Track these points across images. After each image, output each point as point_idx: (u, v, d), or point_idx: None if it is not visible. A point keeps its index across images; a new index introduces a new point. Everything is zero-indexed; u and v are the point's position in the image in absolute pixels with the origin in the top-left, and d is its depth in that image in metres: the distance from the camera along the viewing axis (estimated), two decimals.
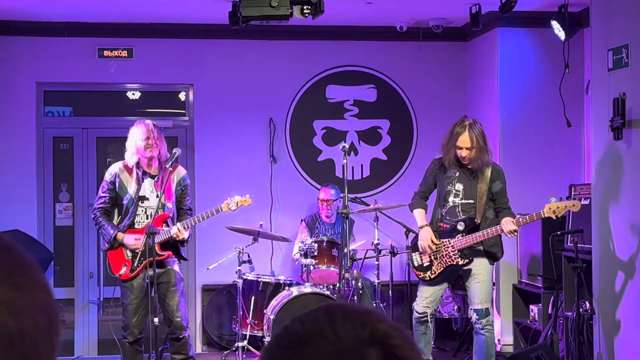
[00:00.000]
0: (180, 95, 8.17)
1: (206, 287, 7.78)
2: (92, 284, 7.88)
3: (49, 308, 0.93)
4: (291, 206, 8.00)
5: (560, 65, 6.83)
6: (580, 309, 5.79)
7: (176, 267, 5.89)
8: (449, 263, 5.61)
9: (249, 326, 6.77)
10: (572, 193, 6.63)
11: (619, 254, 5.44)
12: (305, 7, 4.93)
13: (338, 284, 6.13)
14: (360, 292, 6.89)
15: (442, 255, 5.63)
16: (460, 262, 5.58)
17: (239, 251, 6.79)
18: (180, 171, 5.98)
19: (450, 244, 5.61)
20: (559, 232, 6.19)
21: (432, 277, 5.67)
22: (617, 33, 5.40)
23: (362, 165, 8.25)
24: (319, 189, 7.71)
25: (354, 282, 6.89)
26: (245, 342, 6.71)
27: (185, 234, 5.72)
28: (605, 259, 5.57)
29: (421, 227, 5.71)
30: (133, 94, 8.12)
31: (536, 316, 6.96)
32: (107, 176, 5.90)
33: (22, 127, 7.73)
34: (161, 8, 7.25)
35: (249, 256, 6.84)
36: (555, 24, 6.89)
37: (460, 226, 5.58)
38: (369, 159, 8.24)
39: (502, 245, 5.75)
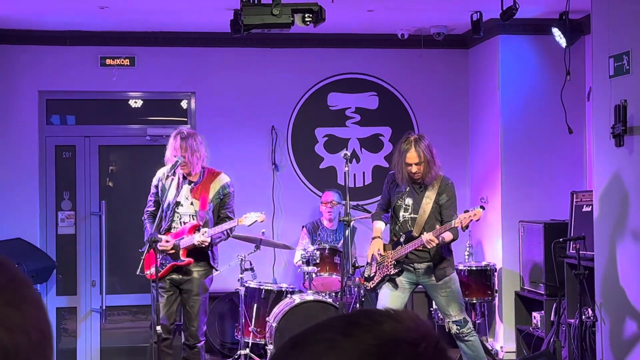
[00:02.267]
0: (182, 104, 8.18)
1: (208, 294, 7.77)
2: (94, 292, 7.88)
3: (42, 323, 0.95)
4: (293, 214, 8.00)
5: (561, 73, 6.84)
6: (583, 316, 5.78)
7: (202, 278, 5.90)
8: (385, 273, 5.74)
9: (252, 334, 6.77)
10: (574, 200, 6.64)
11: (621, 260, 5.44)
12: (306, 15, 4.94)
13: (340, 292, 6.13)
14: (363, 299, 6.88)
15: (384, 266, 5.76)
16: (392, 272, 5.69)
17: (241, 259, 6.80)
18: (222, 179, 5.96)
19: (391, 255, 5.73)
20: (561, 239, 6.19)
21: (372, 286, 5.83)
22: (618, 40, 5.41)
23: (364, 173, 8.25)
24: (321, 196, 7.72)
25: (356, 289, 6.89)
26: (248, 350, 6.71)
27: (205, 240, 5.72)
28: (608, 266, 5.57)
29: (373, 239, 5.91)
30: (135, 102, 8.14)
31: (539, 323, 6.96)
32: (154, 180, 6.02)
33: (25, 135, 7.75)
34: (163, 16, 7.26)
35: (251, 264, 6.84)
36: (556, 31, 6.90)
37: (402, 239, 5.70)
38: (371, 166, 8.25)
39: (450, 261, 5.77)
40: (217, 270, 6.05)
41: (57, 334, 7.89)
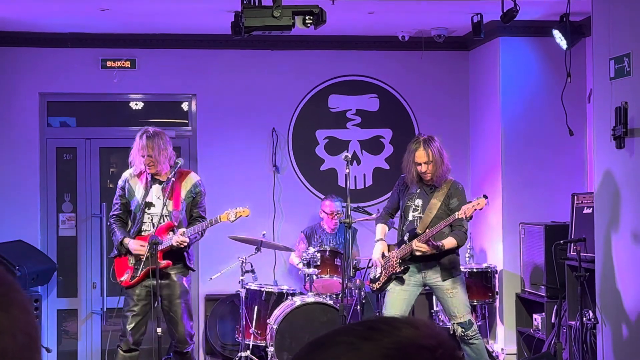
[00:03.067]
0: (183, 106, 8.18)
1: (209, 296, 7.78)
2: (95, 294, 7.88)
3: (30, 327, 0.95)
4: (294, 216, 8.00)
5: (562, 74, 6.83)
6: (584, 318, 5.78)
7: (181, 280, 5.78)
8: (391, 272, 5.76)
9: (252, 336, 6.76)
10: (575, 202, 6.63)
11: (622, 262, 5.43)
12: (307, 17, 4.94)
13: (341, 294, 6.13)
14: (364, 301, 6.88)
15: (389, 265, 5.78)
16: (398, 270, 5.71)
17: (242, 261, 6.79)
18: (192, 178, 5.86)
19: (396, 254, 5.75)
20: (561, 241, 6.19)
21: (378, 286, 5.86)
22: (618, 42, 5.41)
23: (364, 175, 8.25)
24: (322, 199, 7.69)
25: (357, 291, 6.88)
26: (248, 352, 6.70)
27: (184, 240, 5.59)
28: (608, 268, 5.56)
29: (376, 241, 5.93)
30: (136, 104, 8.14)
31: (539, 325, 6.95)
32: (119, 182, 5.88)
33: (26, 137, 7.75)
34: (164, 19, 7.27)
35: (251, 266, 6.84)
36: (557, 33, 6.90)
37: (406, 237, 5.72)
38: (372, 168, 8.25)
39: (456, 262, 5.80)
40: (193, 270, 5.95)
41: (58, 336, 7.89)
